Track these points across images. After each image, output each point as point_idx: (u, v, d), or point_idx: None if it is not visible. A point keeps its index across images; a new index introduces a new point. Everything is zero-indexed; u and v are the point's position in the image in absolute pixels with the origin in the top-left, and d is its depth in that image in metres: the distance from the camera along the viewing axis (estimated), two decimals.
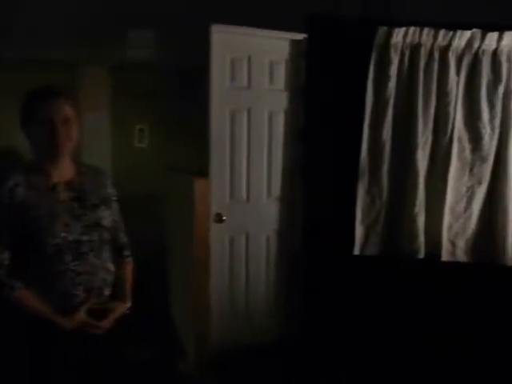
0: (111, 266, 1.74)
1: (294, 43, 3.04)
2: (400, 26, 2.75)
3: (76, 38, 3.52)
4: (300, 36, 3.00)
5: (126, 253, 1.86)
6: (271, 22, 2.92)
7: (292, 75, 3.07)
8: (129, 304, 1.78)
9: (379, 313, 2.94)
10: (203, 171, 2.94)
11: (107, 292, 1.71)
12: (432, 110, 2.82)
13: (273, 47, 3.03)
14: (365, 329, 2.92)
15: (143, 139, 4.34)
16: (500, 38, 2.77)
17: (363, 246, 2.94)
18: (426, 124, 2.82)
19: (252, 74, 3.01)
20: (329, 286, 2.95)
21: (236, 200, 3.06)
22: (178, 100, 4.04)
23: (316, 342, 2.94)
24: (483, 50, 2.79)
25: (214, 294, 3.01)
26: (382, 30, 2.77)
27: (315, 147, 2.98)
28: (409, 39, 2.77)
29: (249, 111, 3.03)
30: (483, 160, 2.84)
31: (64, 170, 1.68)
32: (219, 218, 2.96)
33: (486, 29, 2.75)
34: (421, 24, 2.75)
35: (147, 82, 4.05)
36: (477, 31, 2.76)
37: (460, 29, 2.74)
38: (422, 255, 2.87)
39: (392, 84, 2.80)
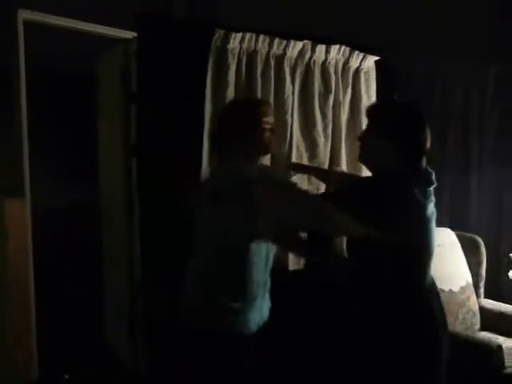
0: None
1: (122, 42, 2.70)
2: (236, 30, 2.65)
3: None
4: (129, 34, 2.68)
5: None
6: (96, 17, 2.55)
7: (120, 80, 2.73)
8: None
9: None
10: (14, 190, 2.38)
11: None
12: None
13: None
14: None
15: None
16: (327, 51, 2.89)
17: None
18: None
19: None
20: None
21: None
22: None
23: None
24: (314, 61, 2.87)
25: None
26: (219, 33, 2.63)
27: (152, 164, 2.67)
28: (245, 45, 2.69)
29: None
30: None
31: None
32: None
33: (316, 41, 2.83)
34: (257, 31, 2.69)
35: None
36: (308, 42, 2.83)
37: (293, 39, 2.77)
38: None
39: (231, 91, 2.67)
